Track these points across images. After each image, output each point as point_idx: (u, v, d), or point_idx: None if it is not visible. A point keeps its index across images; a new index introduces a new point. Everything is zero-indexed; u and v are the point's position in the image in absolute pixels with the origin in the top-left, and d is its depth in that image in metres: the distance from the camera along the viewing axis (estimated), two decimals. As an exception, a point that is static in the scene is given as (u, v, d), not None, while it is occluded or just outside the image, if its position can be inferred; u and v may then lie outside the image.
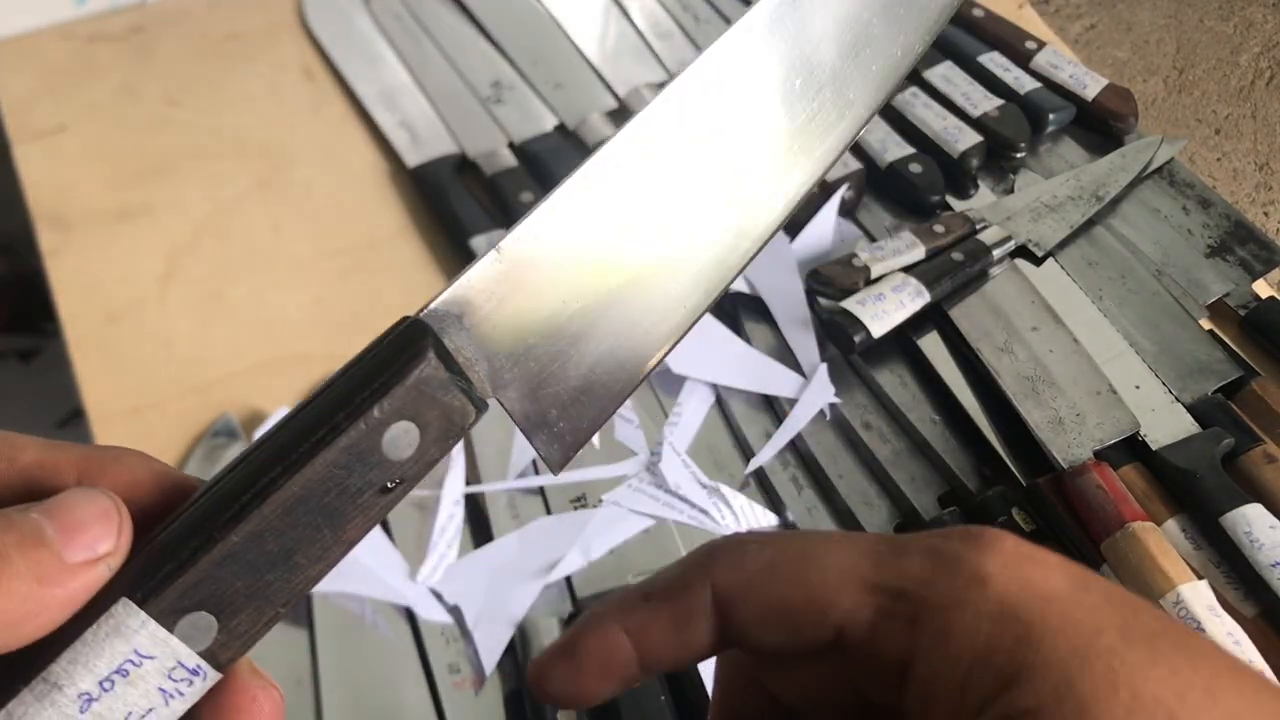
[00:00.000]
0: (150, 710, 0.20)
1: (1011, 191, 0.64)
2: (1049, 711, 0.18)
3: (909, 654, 0.20)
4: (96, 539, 0.20)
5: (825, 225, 0.61)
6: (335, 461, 0.20)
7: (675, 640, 0.22)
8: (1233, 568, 0.47)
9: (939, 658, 0.20)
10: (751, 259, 0.25)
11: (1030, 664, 0.19)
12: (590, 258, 0.24)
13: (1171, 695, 0.18)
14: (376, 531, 0.49)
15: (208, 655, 0.20)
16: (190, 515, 0.21)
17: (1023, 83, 0.67)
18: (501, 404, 0.23)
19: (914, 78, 0.68)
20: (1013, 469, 0.52)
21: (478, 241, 0.60)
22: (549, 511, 0.51)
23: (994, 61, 0.68)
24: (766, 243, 0.25)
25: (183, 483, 0.23)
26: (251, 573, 0.20)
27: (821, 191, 0.62)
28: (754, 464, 0.53)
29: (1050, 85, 0.67)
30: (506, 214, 0.62)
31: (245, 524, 0.20)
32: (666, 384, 0.56)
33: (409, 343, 0.21)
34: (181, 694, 0.20)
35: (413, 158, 0.65)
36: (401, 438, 0.21)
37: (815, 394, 0.54)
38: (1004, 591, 0.20)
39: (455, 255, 0.61)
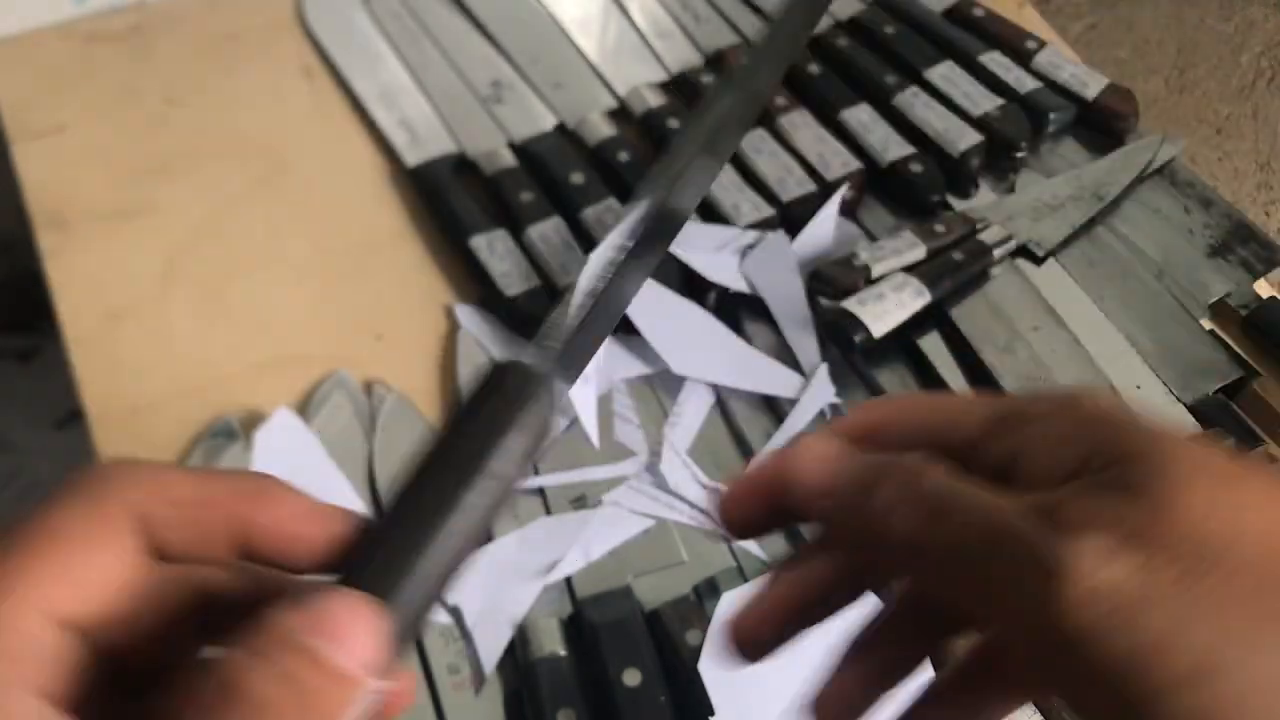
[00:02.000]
0: None
1: (1012, 191, 0.64)
2: (1139, 485, 0.21)
3: (1010, 455, 0.23)
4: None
5: (826, 225, 0.61)
6: (485, 504, 0.23)
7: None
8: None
9: (1033, 448, 0.23)
10: None
11: (1126, 451, 0.22)
12: None
13: (1248, 502, 0.21)
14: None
15: None
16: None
17: (1023, 82, 0.67)
18: None
19: (915, 77, 0.68)
20: (1013, 469, 0.51)
21: (477, 241, 0.60)
22: (549, 511, 0.51)
23: (995, 61, 0.68)
24: None
25: (324, 511, 0.23)
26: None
27: (822, 191, 0.62)
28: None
29: (1051, 85, 0.67)
30: (506, 213, 0.62)
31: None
32: (666, 384, 0.56)
33: (533, 391, 0.24)
34: None
35: (412, 157, 0.65)
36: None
37: (816, 394, 0.54)
38: (1093, 409, 0.23)
39: (455, 255, 0.61)
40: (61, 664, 0.19)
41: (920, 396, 0.27)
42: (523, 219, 0.61)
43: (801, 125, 0.65)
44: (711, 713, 0.44)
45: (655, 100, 0.68)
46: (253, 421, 0.53)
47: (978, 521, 0.22)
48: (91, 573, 0.20)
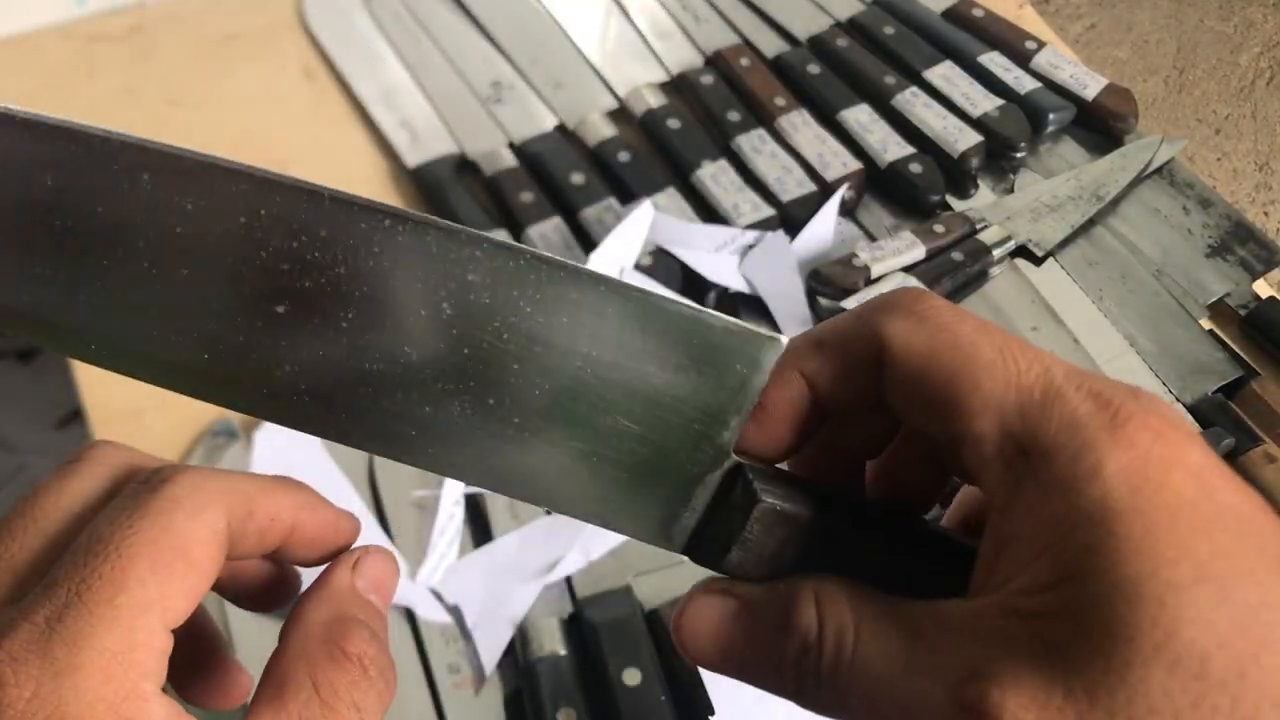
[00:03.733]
0: None
1: (1011, 191, 0.64)
2: (1090, 617, 0.19)
3: (1003, 501, 0.21)
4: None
5: (825, 225, 0.61)
6: None
7: (843, 388, 0.24)
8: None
9: (1024, 525, 0.20)
10: None
11: (1091, 573, 0.19)
12: None
13: (1212, 643, 0.18)
14: (376, 532, 0.49)
15: None
16: None
17: (1023, 83, 0.67)
18: None
19: (914, 78, 0.68)
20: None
21: (478, 241, 0.60)
22: (549, 511, 0.51)
23: (994, 61, 0.68)
24: None
25: (343, 520, 0.28)
26: None
27: (822, 191, 0.62)
28: (754, 464, 0.53)
29: (1050, 85, 0.67)
30: (506, 214, 0.62)
31: None
32: (666, 384, 0.56)
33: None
34: None
35: (413, 158, 0.65)
36: None
37: (815, 394, 0.54)
38: (1109, 495, 0.20)
39: (455, 255, 0.61)
40: (165, 658, 0.22)
41: (943, 343, 0.23)
42: (523, 219, 0.61)
43: (801, 125, 0.65)
44: (711, 713, 0.44)
45: (655, 100, 0.68)
46: (253, 421, 0.53)
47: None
48: (198, 583, 0.23)
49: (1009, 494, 0.21)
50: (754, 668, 0.24)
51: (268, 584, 0.29)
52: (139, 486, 0.24)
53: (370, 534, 0.49)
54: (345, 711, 0.23)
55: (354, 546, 0.27)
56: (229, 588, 0.28)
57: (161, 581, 0.22)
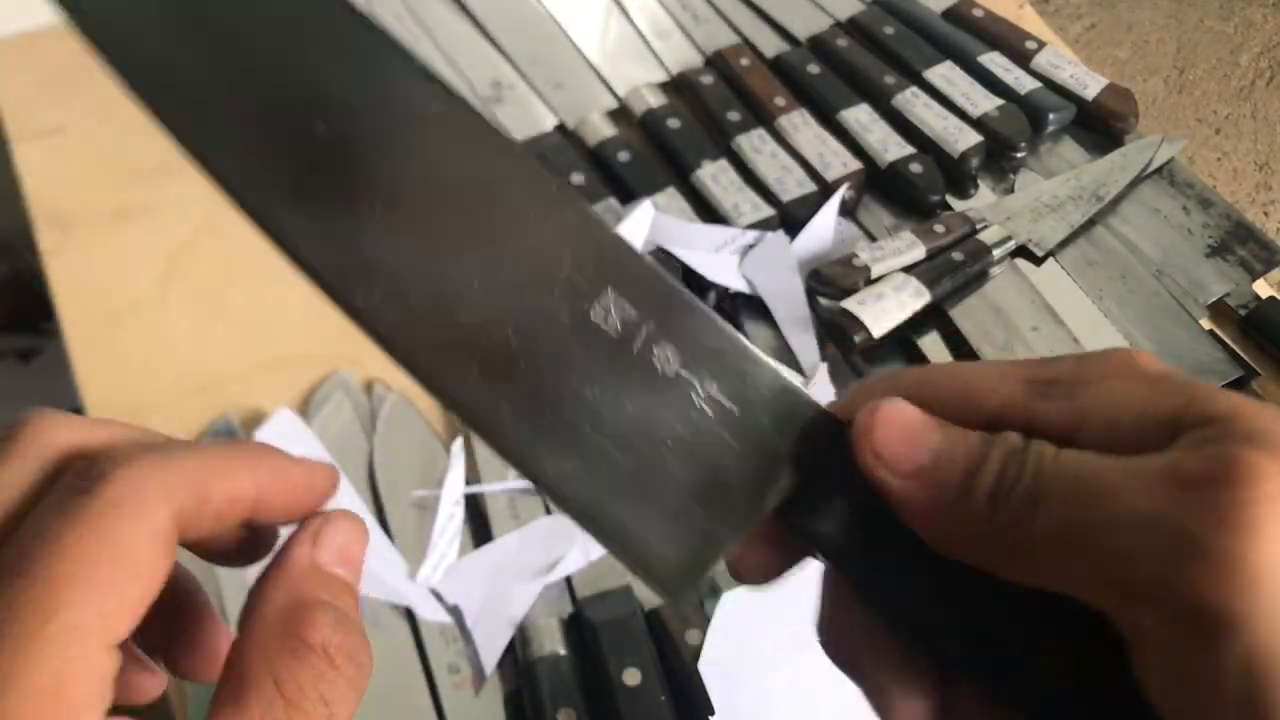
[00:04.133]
0: None
1: (1012, 191, 0.64)
2: (1224, 434, 0.19)
3: (1073, 420, 0.22)
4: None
5: (825, 225, 0.61)
6: None
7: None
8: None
9: (1106, 409, 0.21)
10: None
11: (1218, 410, 0.20)
12: None
13: None
14: (376, 532, 0.49)
15: None
16: None
17: (1023, 83, 0.67)
18: None
19: (914, 78, 0.68)
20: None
21: (478, 241, 0.60)
22: (549, 511, 0.51)
23: (994, 61, 0.68)
24: None
25: (316, 477, 0.26)
26: None
27: (822, 191, 0.62)
28: (754, 464, 0.53)
29: (1050, 85, 0.67)
30: (506, 214, 0.62)
31: None
32: (666, 384, 0.56)
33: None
34: None
35: (412, 157, 0.65)
36: None
37: (816, 394, 0.54)
38: (1155, 368, 0.22)
39: (455, 255, 0.61)
40: (109, 680, 0.20)
41: (946, 364, 0.25)
42: (523, 219, 0.61)
43: (801, 125, 0.65)
44: (711, 713, 0.44)
45: (655, 100, 0.68)
46: (253, 421, 0.53)
47: (1125, 502, 0.20)
48: (142, 592, 0.21)
49: (1071, 410, 0.22)
50: (945, 474, 0.22)
51: (240, 544, 0.27)
52: (71, 484, 0.21)
53: (370, 534, 0.49)
54: (313, 709, 0.21)
55: (321, 510, 0.26)
56: (198, 548, 0.26)
57: (99, 600, 0.20)
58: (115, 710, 0.21)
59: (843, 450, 0.24)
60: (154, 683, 0.26)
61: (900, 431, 0.23)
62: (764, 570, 0.25)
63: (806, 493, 0.24)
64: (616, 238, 0.24)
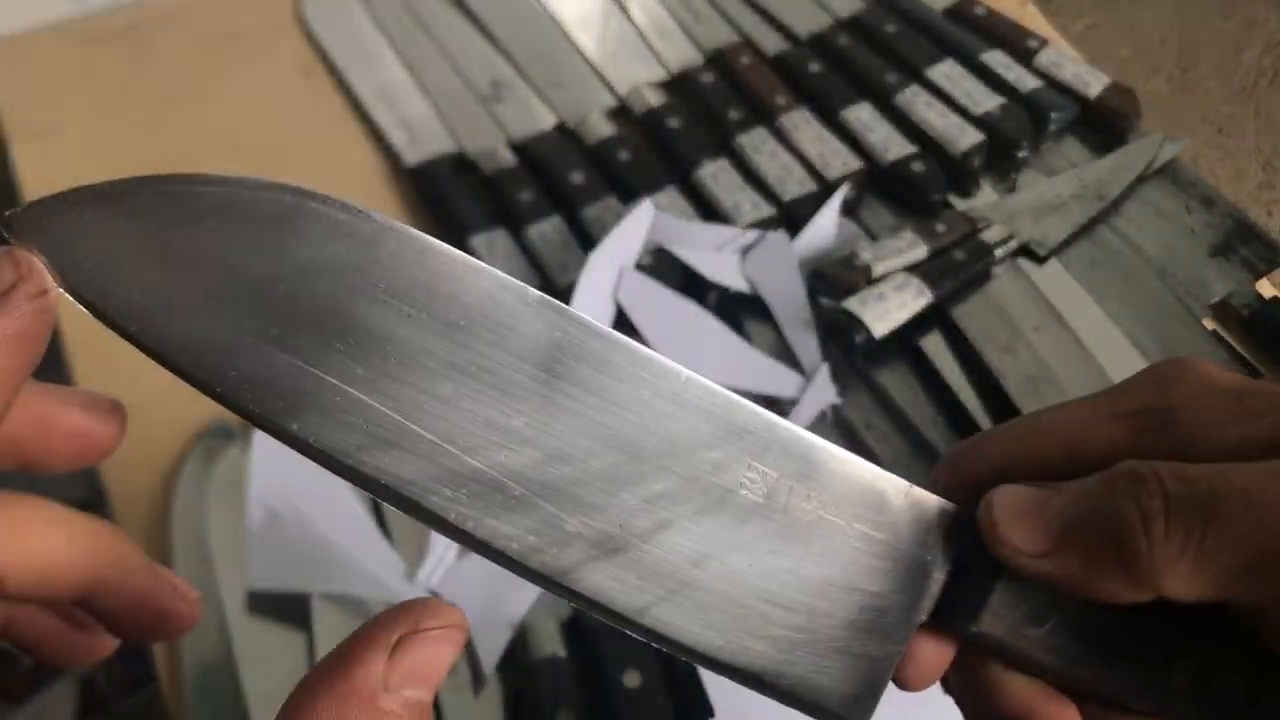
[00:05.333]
0: None
1: (1014, 190, 0.64)
2: None
3: (1179, 449, 0.22)
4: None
5: (827, 224, 0.61)
6: None
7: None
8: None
9: (1206, 432, 0.22)
10: None
11: None
12: None
13: None
14: (375, 533, 0.49)
15: None
16: None
17: (1025, 81, 0.67)
18: None
19: (916, 76, 0.68)
20: (1015, 470, 0.51)
21: (477, 241, 0.59)
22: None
23: (996, 60, 0.68)
24: None
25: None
26: None
27: (823, 190, 0.62)
28: (755, 464, 0.52)
29: (1053, 84, 0.67)
30: (506, 213, 0.62)
31: None
32: (667, 384, 0.55)
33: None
34: None
35: (411, 156, 0.65)
36: None
37: (817, 394, 0.54)
38: (1232, 381, 0.22)
39: (454, 255, 0.61)
40: None
41: (1025, 420, 0.25)
42: (523, 218, 0.61)
43: (802, 124, 0.65)
44: (711, 713, 0.44)
45: (655, 99, 0.67)
46: (251, 422, 0.53)
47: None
48: None
49: (1171, 441, 0.22)
50: (1083, 534, 0.22)
51: (53, 638, 0.24)
52: None
53: (369, 535, 0.49)
54: None
55: (399, 606, 0.21)
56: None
57: None
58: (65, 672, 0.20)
59: (974, 542, 0.24)
60: (98, 644, 0.25)
61: (1022, 515, 0.23)
62: (928, 678, 0.25)
63: (954, 595, 0.25)
64: (744, 405, 0.24)
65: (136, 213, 0.21)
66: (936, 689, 0.26)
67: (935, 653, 0.25)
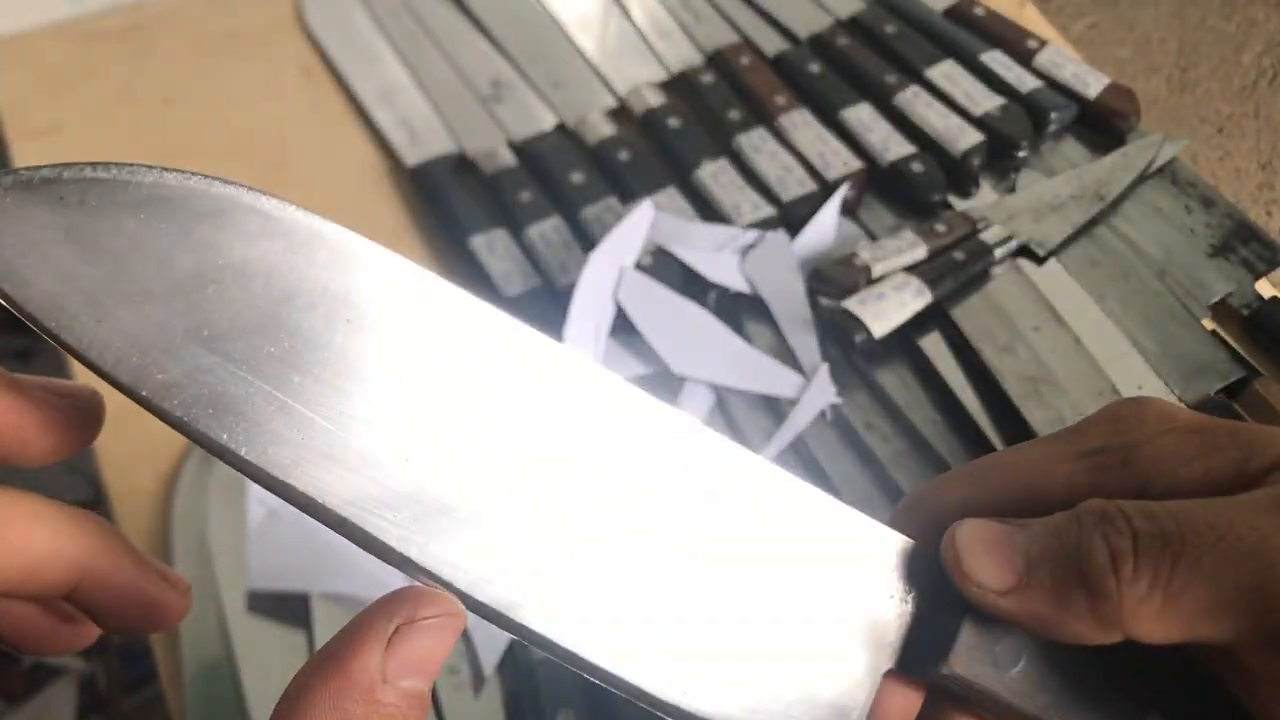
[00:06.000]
0: None
1: (1013, 190, 0.64)
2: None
3: (1138, 486, 0.22)
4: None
5: (826, 224, 0.61)
6: None
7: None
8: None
9: (1167, 469, 0.22)
10: None
11: (1258, 452, 0.21)
12: None
13: None
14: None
15: None
16: None
17: (1024, 81, 0.67)
18: None
19: (915, 76, 0.68)
20: (1015, 470, 0.51)
21: (477, 241, 0.60)
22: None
23: (995, 60, 0.68)
24: None
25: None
26: None
27: (823, 191, 0.62)
28: (754, 464, 0.52)
29: (1052, 84, 0.67)
30: (506, 213, 0.62)
31: None
32: (666, 384, 0.55)
33: None
34: None
35: (411, 156, 0.65)
36: None
37: (816, 394, 0.54)
38: (1192, 418, 0.22)
39: (454, 255, 0.61)
40: None
41: (985, 460, 0.25)
42: (522, 219, 0.61)
43: (802, 125, 0.65)
44: (711, 714, 0.44)
45: (655, 100, 0.67)
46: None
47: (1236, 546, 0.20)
48: None
49: (1132, 479, 0.22)
50: (1049, 570, 0.22)
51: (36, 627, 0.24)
52: None
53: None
54: None
55: (395, 594, 0.21)
56: None
57: None
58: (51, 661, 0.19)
59: (939, 581, 0.24)
60: (83, 634, 0.25)
61: (987, 550, 0.22)
62: None
63: (920, 635, 0.24)
64: (708, 434, 0.23)
65: (61, 200, 0.19)
66: None
67: (902, 700, 0.24)
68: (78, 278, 0.19)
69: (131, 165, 0.20)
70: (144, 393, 0.19)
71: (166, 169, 0.20)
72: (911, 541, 0.24)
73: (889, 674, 0.24)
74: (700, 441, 0.23)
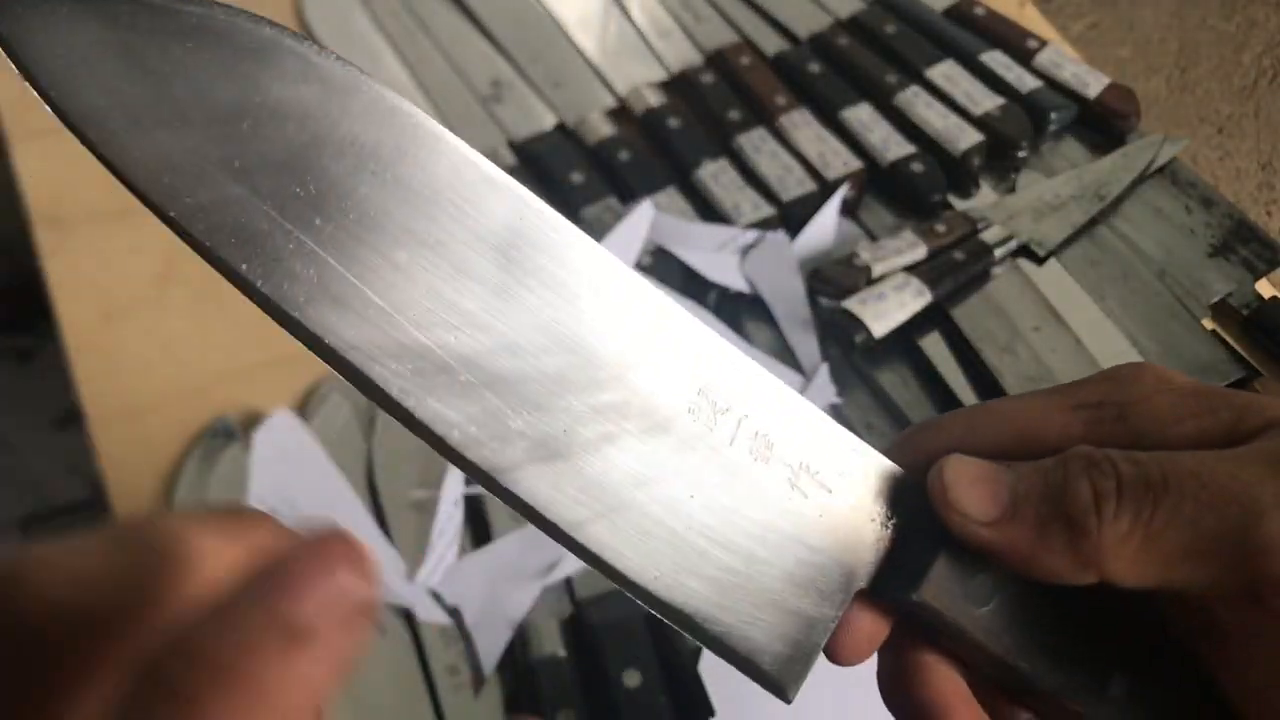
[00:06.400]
0: None
1: (1013, 191, 0.64)
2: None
3: (1131, 440, 0.22)
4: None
5: (826, 224, 0.61)
6: None
7: None
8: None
9: (1159, 426, 0.22)
10: None
11: (1249, 414, 0.22)
12: None
13: None
14: (375, 532, 0.49)
15: None
16: None
17: (1024, 81, 0.67)
18: None
19: (915, 76, 0.68)
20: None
21: (477, 241, 0.59)
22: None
23: (995, 60, 0.68)
24: None
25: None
26: None
27: (823, 191, 0.62)
28: (754, 464, 0.53)
29: (1052, 84, 0.67)
30: (506, 213, 0.62)
31: None
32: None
33: None
34: None
35: (412, 157, 0.65)
36: None
37: (816, 394, 0.54)
38: (1187, 381, 0.23)
39: (454, 255, 0.61)
40: None
41: (984, 406, 0.25)
42: (522, 218, 0.61)
43: (802, 124, 0.65)
44: (711, 713, 0.44)
45: (655, 99, 0.67)
46: (252, 421, 0.53)
47: (1263, 492, 0.20)
48: None
49: (1127, 430, 0.23)
50: (1034, 508, 0.22)
51: None
52: (162, 691, 0.15)
53: (369, 535, 0.49)
54: None
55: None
56: None
57: None
58: None
59: (922, 511, 0.24)
60: None
61: (974, 482, 0.23)
62: (861, 651, 0.24)
63: (896, 561, 0.24)
64: (699, 329, 0.23)
65: (114, 19, 0.20)
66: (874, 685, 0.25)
67: (871, 624, 0.24)
68: (121, 95, 0.20)
69: None
70: (172, 213, 0.20)
71: (217, 3, 0.21)
72: (901, 470, 0.25)
73: (861, 594, 0.24)
74: (715, 347, 0.23)
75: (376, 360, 0.21)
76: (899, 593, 0.24)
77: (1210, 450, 0.21)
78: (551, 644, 0.46)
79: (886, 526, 0.24)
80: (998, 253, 0.58)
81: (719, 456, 0.23)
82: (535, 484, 0.22)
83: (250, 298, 0.21)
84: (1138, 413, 0.23)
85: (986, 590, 0.24)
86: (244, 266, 0.20)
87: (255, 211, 0.20)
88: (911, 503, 0.24)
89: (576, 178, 0.62)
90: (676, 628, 0.23)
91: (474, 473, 0.21)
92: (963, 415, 0.25)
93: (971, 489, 0.23)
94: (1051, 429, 0.23)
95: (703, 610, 0.23)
